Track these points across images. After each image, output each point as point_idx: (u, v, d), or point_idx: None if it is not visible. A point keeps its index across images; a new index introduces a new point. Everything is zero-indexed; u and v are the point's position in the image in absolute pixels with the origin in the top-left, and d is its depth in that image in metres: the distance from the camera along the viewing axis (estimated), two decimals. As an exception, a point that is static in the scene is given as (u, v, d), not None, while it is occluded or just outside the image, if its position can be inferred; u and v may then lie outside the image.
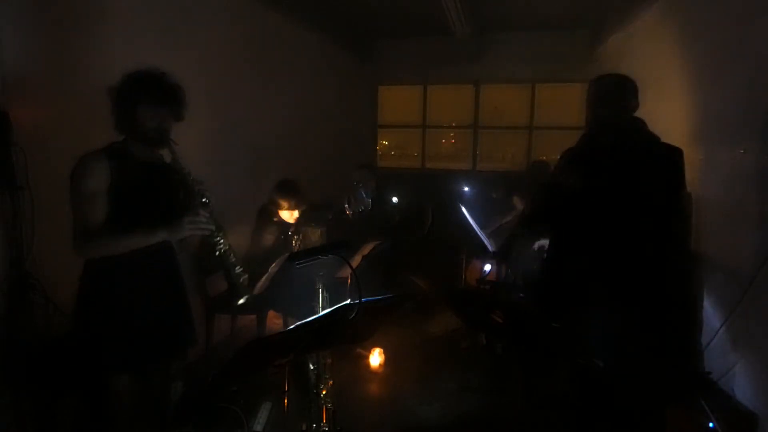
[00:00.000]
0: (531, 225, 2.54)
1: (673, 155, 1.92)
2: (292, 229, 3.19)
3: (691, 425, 2.09)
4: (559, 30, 5.73)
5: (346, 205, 4.58)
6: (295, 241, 3.15)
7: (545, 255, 2.27)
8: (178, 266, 1.87)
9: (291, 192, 3.18)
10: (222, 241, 1.74)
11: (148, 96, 1.66)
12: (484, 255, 3.96)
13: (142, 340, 1.70)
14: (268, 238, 3.16)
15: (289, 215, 3.20)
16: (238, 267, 1.77)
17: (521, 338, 1.93)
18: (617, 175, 1.88)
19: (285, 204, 3.16)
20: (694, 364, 2.48)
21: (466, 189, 5.00)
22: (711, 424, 2.07)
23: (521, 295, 3.46)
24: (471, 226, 3.72)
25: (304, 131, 4.89)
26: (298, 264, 1.69)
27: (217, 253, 1.74)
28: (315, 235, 3.45)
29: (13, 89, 2.09)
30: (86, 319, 1.69)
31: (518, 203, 4.18)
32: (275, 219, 3.20)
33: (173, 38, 2.96)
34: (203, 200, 1.72)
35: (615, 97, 1.99)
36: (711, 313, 2.57)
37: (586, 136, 2.07)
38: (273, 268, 2.72)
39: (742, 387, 2.33)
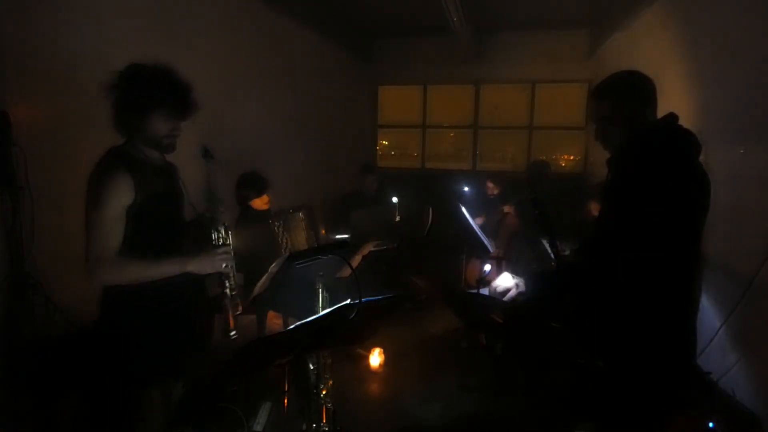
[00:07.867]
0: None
1: None
2: (271, 217, 3.17)
3: (691, 425, 2.08)
4: (559, 30, 5.72)
5: (349, 204, 4.58)
6: (277, 227, 3.10)
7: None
8: (204, 288, 1.80)
9: (252, 179, 3.15)
10: (234, 275, 1.65)
11: (165, 101, 1.51)
12: (484, 255, 3.96)
13: (165, 361, 1.64)
14: (252, 235, 3.15)
15: (260, 202, 3.16)
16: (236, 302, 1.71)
17: (521, 338, 1.92)
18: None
19: (252, 192, 3.13)
20: (694, 364, 2.48)
21: (466, 189, 4.99)
22: (711, 424, 2.07)
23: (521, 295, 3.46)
24: (471, 226, 3.72)
25: (304, 131, 4.89)
26: (298, 264, 1.69)
27: (227, 289, 1.65)
28: (297, 220, 3.36)
29: (13, 89, 2.09)
30: (111, 340, 1.60)
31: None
32: (251, 213, 3.16)
33: (174, 38, 2.96)
34: (224, 224, 1.63)
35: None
36: (711, 313, 2.57)
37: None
38: (273, 267, 2.71)
39: (742, 387, 2.33)
